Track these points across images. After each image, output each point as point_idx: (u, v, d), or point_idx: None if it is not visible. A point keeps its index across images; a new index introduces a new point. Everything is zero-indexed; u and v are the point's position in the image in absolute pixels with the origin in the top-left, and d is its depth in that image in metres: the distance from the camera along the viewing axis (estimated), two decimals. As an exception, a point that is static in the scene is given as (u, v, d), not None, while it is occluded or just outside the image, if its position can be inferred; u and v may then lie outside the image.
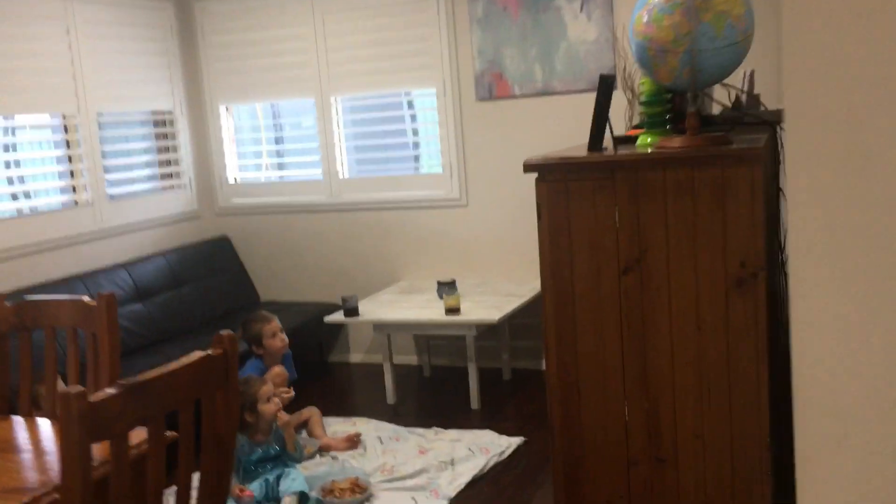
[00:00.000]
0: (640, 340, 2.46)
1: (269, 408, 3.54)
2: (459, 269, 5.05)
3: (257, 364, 4.15)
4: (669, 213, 2.40)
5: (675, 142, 2.47)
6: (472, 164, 4.98)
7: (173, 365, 1.75)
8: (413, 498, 3.51)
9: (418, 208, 5.12)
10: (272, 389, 3.60)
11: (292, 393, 3.66)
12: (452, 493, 3.52)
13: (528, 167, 2.53)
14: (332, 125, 5.23)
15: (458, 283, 4.73)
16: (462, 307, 4.36)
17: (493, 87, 4.85)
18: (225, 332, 1.85)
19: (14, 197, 4.59)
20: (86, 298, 2.41)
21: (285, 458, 3.62)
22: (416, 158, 5.44)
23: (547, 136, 4.65)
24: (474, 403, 4.44)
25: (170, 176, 5.38)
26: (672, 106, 2.75)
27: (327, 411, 4.43)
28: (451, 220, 5.06)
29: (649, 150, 2.53)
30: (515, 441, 3.98)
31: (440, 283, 4.68)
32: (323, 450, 4.02)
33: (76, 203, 4.74)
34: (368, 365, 5.28)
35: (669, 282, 2.42)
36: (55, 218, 4.58)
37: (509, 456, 3.86)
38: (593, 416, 2.53)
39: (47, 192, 4.78)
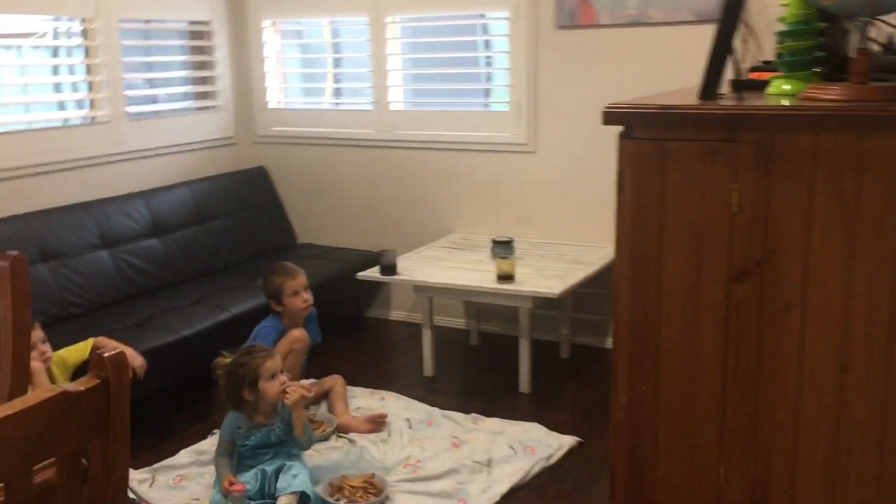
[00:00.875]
0: (751, 378, 1.67)
1: (271, 387, 2.86)
2: (520, 226, 4.26)
3: (274, 323, 3.47)
4: (818, 198, 1.58)
5: (834, 92, 1.62)
6: (545, 104, 4.13)
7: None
8: (436, 507, 2.82)
9: (478, 151, 4.32)
10: (278, 365, 2.91)
11: (311, 393, 2.95)
12: (484, 507, 2.82)
13: (609, 117, 1.73)
14: (386, 49, 4.43)
15: (516, 243, 3.95)
16: (518, 274, 3.59)
17: (576, 14, 3.97)
18: (109, 352, 1.14)
19: (27, 108, 3.99)
20: (-10, 259, 1.73)
21: (290, 444, 2.96)
22: (487, 93, 4.62)
23: (638, 76, 3.77)
24: (524, 386, 3.70)
25: (204, 96, 4.67)
26: (826, 42, 1.89)
27: (354, 379, 3.76)
28: (515, 167, 4.25)
29: (789, 103, 1.70)
30: (568, 441, 3.23)
31: (495, 242, 3.90)
32: (340, 430, 3.35)
33: (92, 120, 4.09)
34: (410, 325, 4.57)
35: (806, 298, 1.61)
36: (67, 136, 3.94)
37: (559, 460, 3.12)
38: (673, 474, 1.77)
39: (55, 106, 4.14)
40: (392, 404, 3.56)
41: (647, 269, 1.72)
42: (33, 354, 3.02)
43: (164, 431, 3.37)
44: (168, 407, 3.42)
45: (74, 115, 4.08)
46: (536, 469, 3.04)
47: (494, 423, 3.38)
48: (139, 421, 3.51)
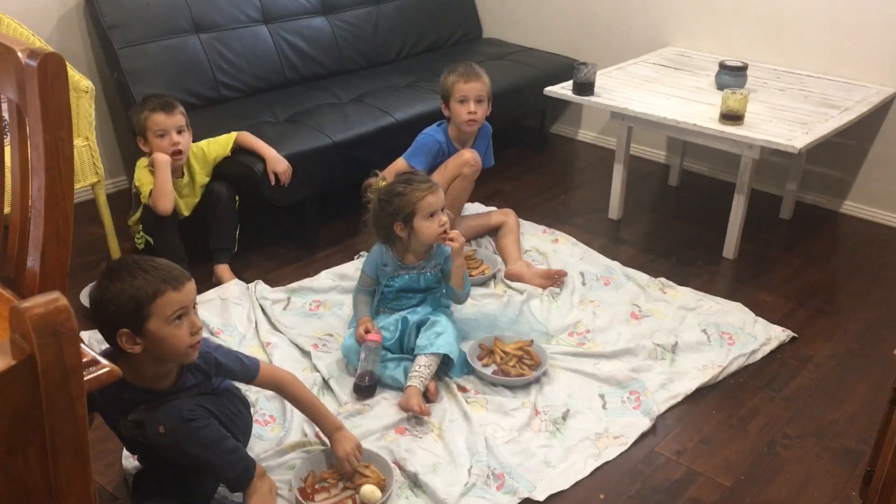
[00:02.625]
0: None
1: (429, 227, 2.29)
2: (758, 48, 3.31)
3: (437, 134, 2.83)
4: None
5: None
6: None
7: None
8: (601, 396, 2.26)
9: (720, -57, 3.32)
10: (441, 202, 2.31)
11: (462, 240, 2.33)
12: (662, 409, 2.21)
13: None
14: None
15: (751, 70, 3.07)
16: (749, 113, 2.75)
17: None
18: (41, 305, 0.59)
19: None
20: (20, 52, 1.19)
21: (440, 292, 2.45)
22: None
23: None
24: (729, 251, 2.96)
25: None
26: None
27: (526, 212, 3.16)
28: (766, -31, 3.24)
29: None
30: (778, 335, 2.51)
31: (724, 67, 3.02)
32: (507, 277, 2.80)
33: None
34: (600, 149, 3.84)
35: None
36: None
37: (764, 359, 2.44)
38: None
39: None
40: (566, 250, 2.95)
41: None
42: (163, 143, 2.60)
43: (308, 245, 2.95)
44: (314, 219, 2.96)
45: None
46: (734, 367, 2.38)
47: (686, 294, 2.71)
48: (281, 231, 3.16)
